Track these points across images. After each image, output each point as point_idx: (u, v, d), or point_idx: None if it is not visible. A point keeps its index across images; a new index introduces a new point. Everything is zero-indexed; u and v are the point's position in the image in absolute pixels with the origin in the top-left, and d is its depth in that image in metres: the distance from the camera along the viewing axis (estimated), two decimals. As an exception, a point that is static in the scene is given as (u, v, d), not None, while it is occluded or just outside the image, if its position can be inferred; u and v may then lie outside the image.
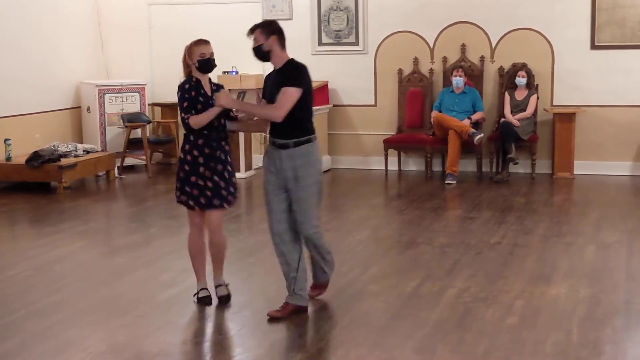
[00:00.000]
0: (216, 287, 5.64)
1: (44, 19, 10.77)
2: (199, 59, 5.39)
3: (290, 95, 5.07)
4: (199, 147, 5.40)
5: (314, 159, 5.23)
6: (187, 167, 5.43)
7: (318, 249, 5.38)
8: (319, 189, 5.28)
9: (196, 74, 5.44)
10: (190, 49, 5.43)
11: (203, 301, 5.55)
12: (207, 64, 5.42)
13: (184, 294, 5.77)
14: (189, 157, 5.43)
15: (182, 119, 5.39)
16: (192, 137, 5.41)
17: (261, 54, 5.22)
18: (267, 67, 11.73)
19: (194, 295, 5.60)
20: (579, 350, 4.64)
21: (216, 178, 5.43)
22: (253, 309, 5.50)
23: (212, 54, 5.45)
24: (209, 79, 5.53)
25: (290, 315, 5.24)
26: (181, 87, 5.42)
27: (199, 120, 5.32)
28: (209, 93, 5.42)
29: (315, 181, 5.23)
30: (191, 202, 5.46)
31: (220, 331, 5.15)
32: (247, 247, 7.18)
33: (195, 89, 5.39)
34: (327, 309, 5.47)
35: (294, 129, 5.17)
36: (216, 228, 5.52)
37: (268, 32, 5.17)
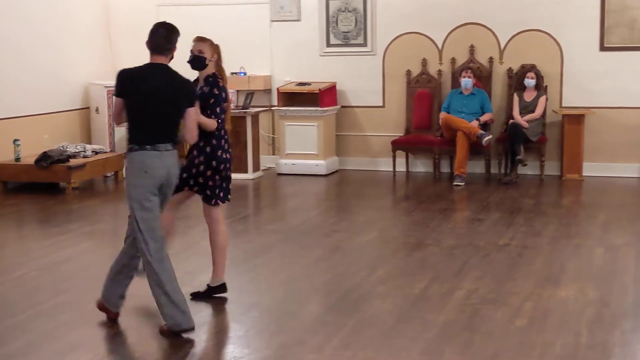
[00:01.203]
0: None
1: (53, 19, 10.79)
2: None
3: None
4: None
5: (130, 170, 5.04)
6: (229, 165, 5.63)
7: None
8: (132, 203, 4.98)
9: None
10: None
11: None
12: (190, 61, 5.53)
13: (192, 295, 5.78)
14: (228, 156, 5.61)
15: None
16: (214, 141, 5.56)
17: None
18: (276, 69, 11.65)
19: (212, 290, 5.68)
20: (587, 353, 4.62)
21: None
22: (261, 309, 5.49)
23: (200, 50, 5.49)
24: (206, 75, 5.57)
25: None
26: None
27: None
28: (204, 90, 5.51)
29: (127, 193, 5.03)
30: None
31: (227, 332, 5.14)
32: (254, 247, 7.17)
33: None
34: (335, 310, 5.45)
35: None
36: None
37: None
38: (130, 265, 5.23)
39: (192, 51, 5.51)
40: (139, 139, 4.96)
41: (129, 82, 4.97)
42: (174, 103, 5.00)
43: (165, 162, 4.99)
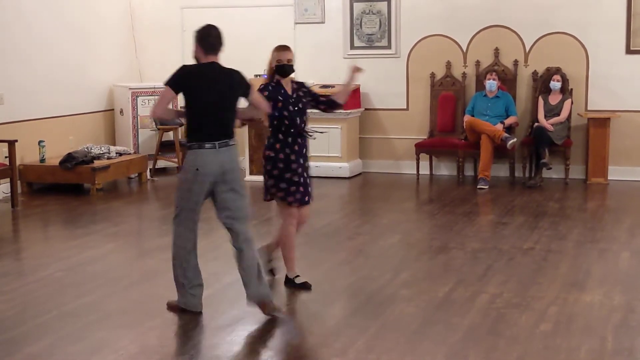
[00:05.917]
0: (296, 277, 5.99)
1: (78, 22, 10.86)
2: (276, 64, 5.91)
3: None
4: (289, 145, 5.85)
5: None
6: (281, 165, 5.84)
7: None
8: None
9: (277, 75, 5.96)
10: (272, 54, 5.96)
11: (305, 286, 5.93)
12: (282, 69, 5.94)
13: (216, 296, 5.79)
14: (281, 155, 5.84)
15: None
16: (281, 136, 5.86)
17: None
18: (299, 71, 11.60)
19: (290, 282, 5.95)
20: (613, 358, 4.59)
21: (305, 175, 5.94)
22: (286, 311, 5.49)
23: (289, 60, 5.94)
24: (292, 79, 6.08)
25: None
26: (261, 88, 5.88)
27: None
28: (290, 92, 5.95)
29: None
30: (294, 198, 5.88)
31: (251, 334, 5.14)
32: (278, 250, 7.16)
33: (275, 89, 5.90)
34: (359, 313, 5.45)
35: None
36: (305, 222, 6.15)
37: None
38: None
39: (280, 60, 5.91)
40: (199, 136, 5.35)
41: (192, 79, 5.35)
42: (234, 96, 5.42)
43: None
